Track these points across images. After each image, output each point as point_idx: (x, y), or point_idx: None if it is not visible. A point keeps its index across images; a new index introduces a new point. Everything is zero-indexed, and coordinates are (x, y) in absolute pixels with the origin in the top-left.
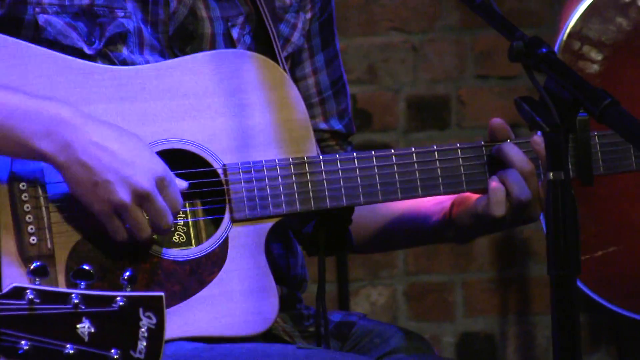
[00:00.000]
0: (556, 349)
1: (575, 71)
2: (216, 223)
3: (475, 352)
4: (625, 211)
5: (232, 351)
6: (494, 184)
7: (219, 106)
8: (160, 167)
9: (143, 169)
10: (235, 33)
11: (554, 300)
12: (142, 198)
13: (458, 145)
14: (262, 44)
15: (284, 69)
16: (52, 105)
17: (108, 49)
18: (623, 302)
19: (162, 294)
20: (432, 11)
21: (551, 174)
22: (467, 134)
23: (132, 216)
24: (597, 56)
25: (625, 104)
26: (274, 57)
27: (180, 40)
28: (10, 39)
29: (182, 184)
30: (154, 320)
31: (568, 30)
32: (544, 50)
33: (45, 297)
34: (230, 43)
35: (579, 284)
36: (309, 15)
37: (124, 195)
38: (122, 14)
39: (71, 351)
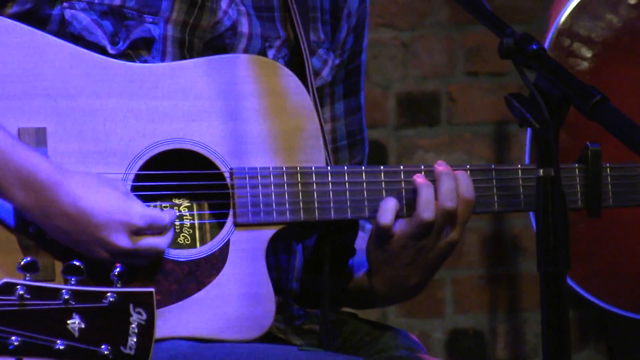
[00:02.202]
0: (545, 346)
1: (565, 68)
2: (221, 226)
3: (464, 349)
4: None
5: (233, 350)
6: (421, 180)
7: (231, 110)
8: (134, 215)
9: (116, 228)
10: (270, 54)
11: (543, 297)
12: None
13: (493, 166)
14: (295, 72)
15: (315, 100)
16: (36, 160)
17: (131, 51)
18: (612, 299)
19: (152, 289)
20: (422, 7)
21: (541, 170)
22: (457, 130)
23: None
24: (586, 53)
25: (615, 100)
26: (305, 87)
27: (212, 50)
28: (25, 28)
29: (169, 214)
30: (144, 316)
31: (558, 27)
32: (534, 47)
33: (36, 292)
34: None
35: (569, 280)
36: (337, 61)
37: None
38: (151, 19)
39: (61, 347)
